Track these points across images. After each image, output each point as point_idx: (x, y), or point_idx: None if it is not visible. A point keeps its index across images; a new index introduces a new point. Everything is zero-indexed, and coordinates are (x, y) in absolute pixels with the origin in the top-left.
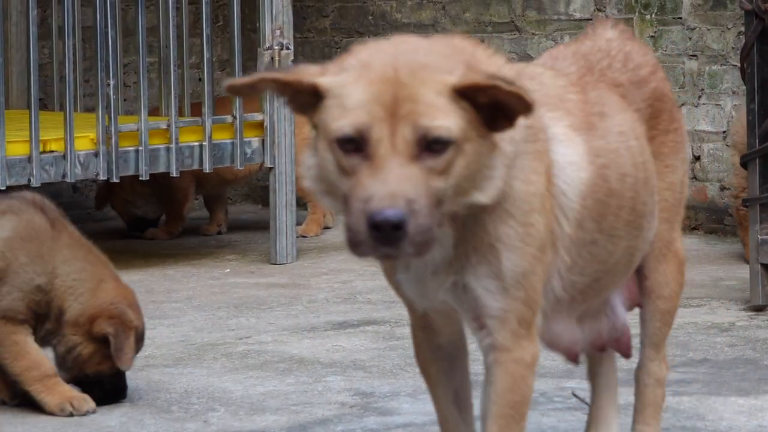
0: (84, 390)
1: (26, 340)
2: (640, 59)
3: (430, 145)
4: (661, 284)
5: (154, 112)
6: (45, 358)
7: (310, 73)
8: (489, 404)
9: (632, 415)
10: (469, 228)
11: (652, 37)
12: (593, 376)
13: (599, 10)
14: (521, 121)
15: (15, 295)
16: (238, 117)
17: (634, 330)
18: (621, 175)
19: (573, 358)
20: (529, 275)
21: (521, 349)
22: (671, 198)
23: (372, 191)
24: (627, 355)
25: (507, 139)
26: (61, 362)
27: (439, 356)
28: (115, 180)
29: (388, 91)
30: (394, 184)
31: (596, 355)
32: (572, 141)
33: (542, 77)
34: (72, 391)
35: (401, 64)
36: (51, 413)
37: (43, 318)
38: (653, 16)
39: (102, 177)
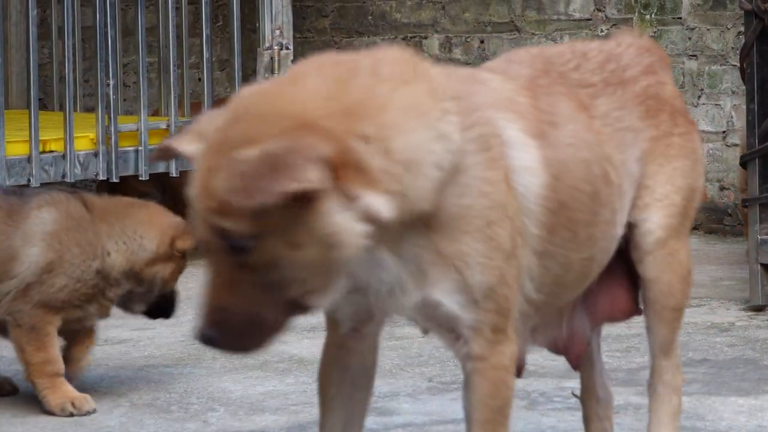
0: (150, 313)
1: (54, 333)
2: (629, 59)
3: (233, 245)
4: (666, 294)
5: (154, 113)
6: (59, 355)
7: (178, 141)
8: (472, 411)
9: (647, 426)
10: (415, 243)
11: (651, 37)
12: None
13: (599, 10)
14: (468, 134)
15: (70, 286)
16: None
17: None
18: (570, 188)
19: (518, 369)
20: (498, 287)
21: (499, 355)
22: (679, 204)
23: (200, 303)
24: (575, 366)
25: (432, 163)
26: (142, 297)
27: (343, 378)
28: (114, 180)
29: (199, 180)
30: (209, 296)
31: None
32: (526, 145)
33: (491, 82)
34: (74, 392)
35: (217, 141)
36: (50, 411)
37: (100, 293)
38: (653, 16)
39: (102, 177)
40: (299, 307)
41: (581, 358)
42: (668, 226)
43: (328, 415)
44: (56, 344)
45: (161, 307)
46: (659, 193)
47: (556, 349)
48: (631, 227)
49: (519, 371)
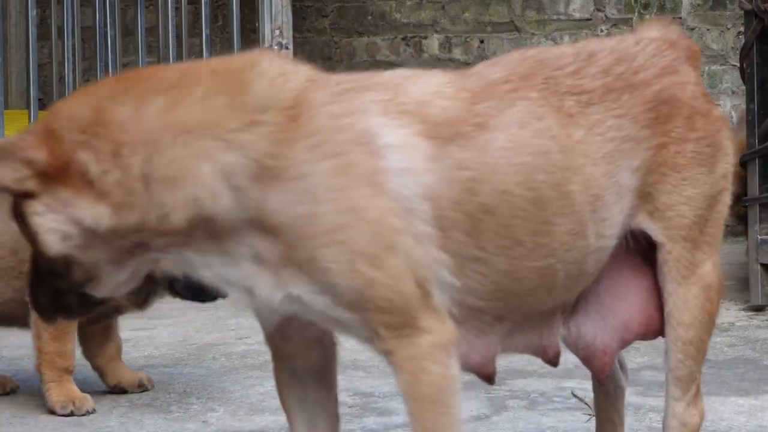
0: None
1: (73, 325)
2: (645, 60)
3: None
4: (681, 309)
5: None
6: (73, 351)
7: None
8: (405, 405)
9: None
10: (248, 244)
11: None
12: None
13: (599, 10)
14: (306, 143)
15: None
16: None
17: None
18: (500, 192)
19: (486, 376)
20: (367, 290)
21: (410, 347)
22: (689, 214)
23: None
24: (600, 379)
25: (212, 174)
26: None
27: (292, 382)
28: None
29: None
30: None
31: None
32: (410, 147)
33: (405, 83)
34: (77, 392)
35: None
36: (51, 407)
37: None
38: (653, 16)
39: None
40: (87, 293)
41: (605, 370)
42: (678, 239)
43: (291, 420)
44: (73, 338)
45: (196, 288)
46: (662, 203)
47: (546, 358)
48: (637, 237)
49: (490, 377)
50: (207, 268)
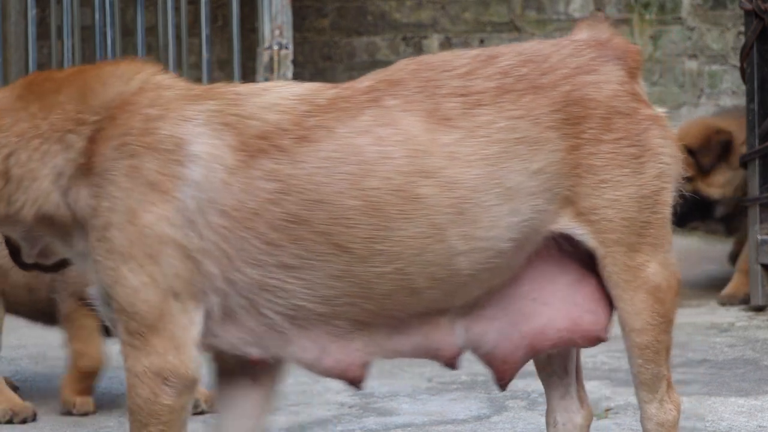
0: None
1: (92, 325)
2: (558, 60)
3: None
4: (630, 315)
5: None
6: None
7: None
8: None
9: None
10: (81, 237)
11: (652, 37)
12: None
13: (599, 9)
14: (113, 143)
15: None
16: None
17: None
18: (314, 202)
19: (351, 381)
20: (113, 288)
21: (133, 360)
22: (616, 217)
23: None
24: (500, 384)
25: (45, 175)
26: None
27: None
28: None
29: None
30: None
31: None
32: (215, 159)
33: (250, 95)
34: (76, 397)
35: None
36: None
37: None
38: (653, 15)
39: None
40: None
41: (504, 378)
42: (610, 242)
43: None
44: (95, 338)
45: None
46: (584, 206)
47: (435, 358)
48: (570, 240)
49: (356, 381)
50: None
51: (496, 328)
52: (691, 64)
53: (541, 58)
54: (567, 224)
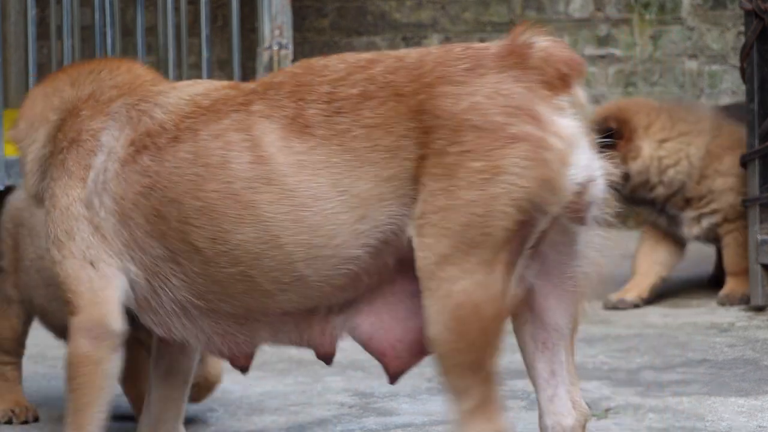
0: None
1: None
2: (426, 69)
3: None
4: (428, 322)
5: None
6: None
7: None
8: None
9: None
10: None
11: (652, 37)
12: None
13: (599, 9)
14: (65, 134)
15: None
16: None
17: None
18: (170, 199)
19: (239, 369)
20: (53, 266)
21: (70, 322)
22: (438, 225)
23: None
24: (391, 378)
25: (30, 160)
26: None
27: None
28: None
29: None
30: None
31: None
32: (113, 151)
33: (170, 91)
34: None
35: None
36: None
37: None
38: (653, 15)
39: None
40: None
41: (389, 370)
42: (426, 247)
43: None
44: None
45: None
46: (417, 212)
47: (315, 351)
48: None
49: (244, 369)
50: None
51: (378, 323)
52: (691, 64)
53: (414, 65)
54: (410, 230)
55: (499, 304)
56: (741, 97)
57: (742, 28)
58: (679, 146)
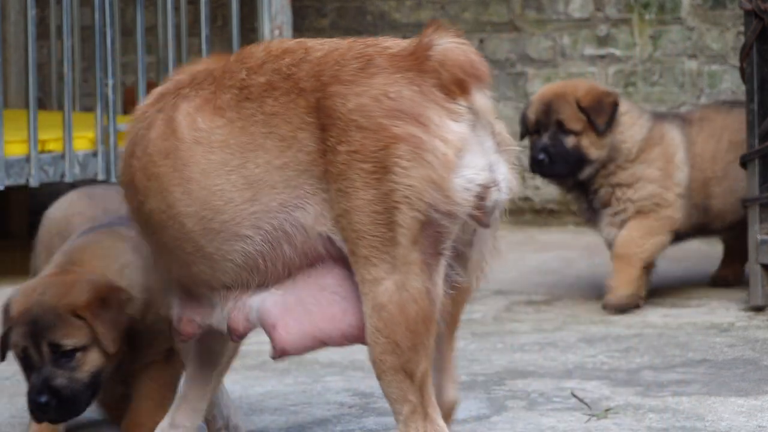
0: None
1: None
2: (326, 67)
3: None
4: (365, 326)
5: None
6: None
7: None
8: None
9: None
10: None
11: (651, 37)
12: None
13: (599, 9)
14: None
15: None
16: None
17: None
18: (129, 177)
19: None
20: None
21: None
22: (349, 227)
23: None
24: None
25: None
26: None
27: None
28: (113, 180)
29: None
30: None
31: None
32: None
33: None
34: None
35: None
36: None
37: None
38: (652, 15)
39: (100, 177)
40: None
41: (278, 350)
42: (350, 250)
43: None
44: None
45: None
46: (334, 212)
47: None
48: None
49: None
50: None
51: (280, 300)
52: (691, 64)
53: (317, 61)
54: (330, 228)
55: (423, 305)
56: (741, 97)
57: (742, 28)
58: (632, 120)
